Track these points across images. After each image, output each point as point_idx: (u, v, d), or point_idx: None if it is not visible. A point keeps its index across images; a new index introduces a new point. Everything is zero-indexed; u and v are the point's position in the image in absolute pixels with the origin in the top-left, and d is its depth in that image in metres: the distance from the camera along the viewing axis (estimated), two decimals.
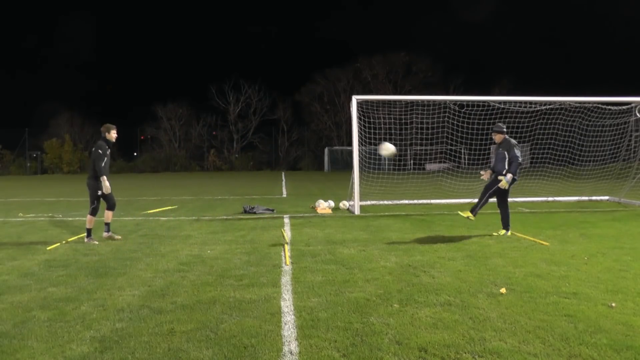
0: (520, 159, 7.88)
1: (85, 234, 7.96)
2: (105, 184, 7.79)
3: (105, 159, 7.90)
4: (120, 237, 8.15)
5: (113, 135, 8.14)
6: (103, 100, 70.34)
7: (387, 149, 9.72)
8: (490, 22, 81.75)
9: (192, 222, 10.12)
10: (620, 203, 13.05)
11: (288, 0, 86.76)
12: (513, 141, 8.08)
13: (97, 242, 7.76)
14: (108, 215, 8.16)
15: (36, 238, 8.32)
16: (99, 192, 7.85)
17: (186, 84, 76.95)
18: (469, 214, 8.22)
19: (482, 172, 8.56)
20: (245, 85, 51.96)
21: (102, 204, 8.04)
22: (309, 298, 4.65)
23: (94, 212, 7.90)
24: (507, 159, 7.95)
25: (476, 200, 8.41)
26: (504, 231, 8.19)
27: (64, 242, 7.87)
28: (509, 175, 7.81)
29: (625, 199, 13.23)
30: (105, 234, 8.11)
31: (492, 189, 8.07)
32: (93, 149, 8.04)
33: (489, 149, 16.22)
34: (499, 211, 8.34)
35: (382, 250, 6.97)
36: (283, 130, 52.66)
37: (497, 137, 8.26)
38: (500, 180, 7.90)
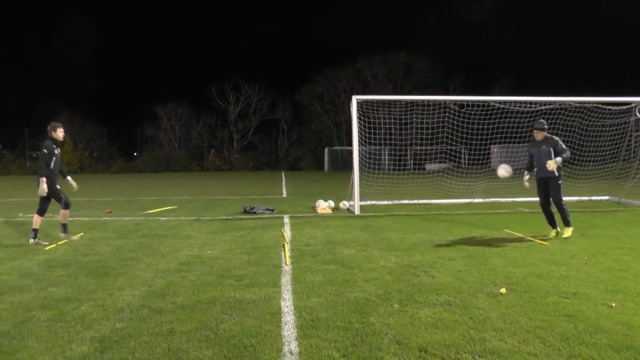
0: (569, 152, 7.70)
1: (32, 234, 7.76)
2: (42, 185, 7.55)
3: (54, 158, 7.73)
4: (77, 237, 7.99)
5: (60, 134, 7.92)
6: (103, 100, 70.38)
7: (505, 170, 8.49)
8: (490, 22, 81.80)
9: (192, 222, 10.12)
10: (620, 203, 13.05)
11: (288, 0, 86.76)
12: (557, 137, 7.86)
13: (46, 243, 7.60)
14: (63, 215, 7.96)
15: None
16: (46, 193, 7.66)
17: (186, 84, 77.06)
18: (567, 230, 7.80)
19: (525, 182, 8.29)
20: (245, 85, 52.03)
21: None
22: (309, 298, 4.65)
23: (40, 212, 7.77)
24: (552, 154, 7.69)
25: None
26: (570, 229, 7.86)
27: (63, 242, 7.87)
28: (559, 158, 7.58)
29: (625, 199, 13.23)
30: (62, 235, 7.98)
31: (559, 194, 7.76)
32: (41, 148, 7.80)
33: (489, 148, 16.24)
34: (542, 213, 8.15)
35: (382, 250, 6.97)
36: (283, 130, 52.68)
37: (539, 135, 7.94)
38: (559, 184, 7.70)
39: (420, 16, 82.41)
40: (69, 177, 8.22)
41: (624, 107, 13.33)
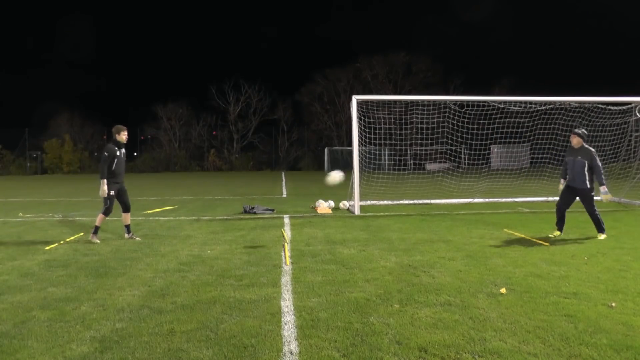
0: (602, 169, 7.76)
1: (92, 229, 8.06)
2: (103, 187, 7.73)
3: (116, 160, 7.85)
4: (139, 238, 8.13)
5: (123, 136, 8.05)
6: (103, 100, 70.37)
7: (333, 177, 8.49)
8: (490, 22, 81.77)
9: (192, 222, 10.12)
10: (620, 203, 13.05)
11: (288, 1, 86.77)
12: (593, 150, 7.89)
13: (98, 241, 7.78)
14: (124, 218, 8.19)
15: (36, 238, 8.32)
16: (111, 193, 7.81)
17: (186, 84, 76.96)
18: (601, 235, 7.79)
19: (560, 186, 8.28)
20: (245, 85, 51.94)
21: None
22: (309, 298, 4.65)
23: (106, 212, 7.91)
24: (586, 168, 7.72)
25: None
26: (558, 233, 8.02)
27: (62, 242, 7.87)
28: (604, 188, 7.73)
29: (625, 199, 13.23)
30: (126, 236, 8.17)
31: (593, 205, 7.80)
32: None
33: (489, 148, 16.24)
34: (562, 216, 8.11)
35: (382, 250, 6.97)
36: (283, 130, 52.62)
37: (576, 141, 7.94)
38: (597, 195, 7.79)
39: (420, 16, 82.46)
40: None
41: (624, 107, 13.33)
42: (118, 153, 7.93)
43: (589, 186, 7.73)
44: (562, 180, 8.26)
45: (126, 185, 8.22)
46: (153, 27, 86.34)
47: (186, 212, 11.95)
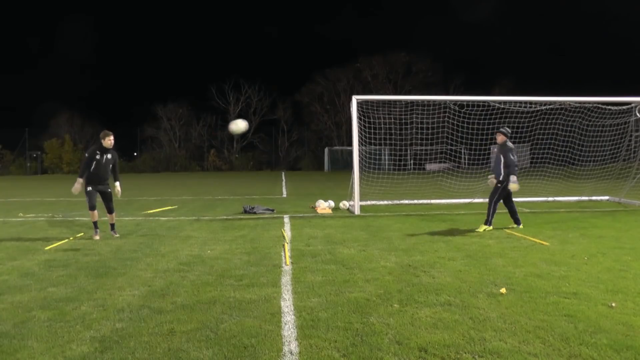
0: (516, 162, 8.51)
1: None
2: (75, 184, 8.05)
3: (95, 163, 8.09)
4: (118, 235, 8.42)
5: (107, 141, 8.25)
6: (103, 100, 70.31)
7: (237, 126, 8.79)
8: (490, 23, 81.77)
9: (192, 222, 10.12)
10: (620, 203, 13.05)
11: (288, 1, 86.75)
12: (510, 144, 8.71)
13: (97, 238, 8.06)
14: (109, 218, 8.51)
15: (36, 238, 8.32)
16: (88, 189, 8.12)
17: (186, 84, 76.83)
18: (485, 227, 8.64)
19: (489, 179, 9.13)
20: (245, 85, 51.94)
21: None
22: (309, 298, 4.65)
23: (90, 208, 8.18)
24: (502, 162, 8.57)
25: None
26: (516, 225, 8.86)
27: (62, 242, 7.87)
28: (513, 177, 8.38)
29: (625, 199, 13.23)
30: (111, 232, 8.48)
31: (495, 195, 8.66)
32: None
33: (489, 148, 16.23)
34: (506, 210, 9.04)
35: (382, 250, 6.97)
36: (283, 130, 52.63)
37: (500, 139, 8.82)
38: (500, 185, 8.62)
39: (420, 16, 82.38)
40: (117, 183, 8.50)
41: (624, 107, 13.32)
42: (98, 157, 8.15)
43: (501, 178, 8.60)
44: (491, 176, 9.09)
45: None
46: (153, 27, 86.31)
47: (186, 212, 11.95)
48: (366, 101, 13.14)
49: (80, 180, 8.07)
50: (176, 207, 13.29)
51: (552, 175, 15.25)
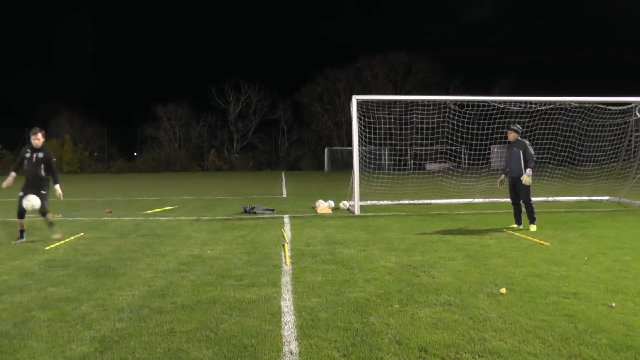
0: (534, 156, 8.56)
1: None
2: (8, 179, 8.07)
3: (25, 161, 7.91)
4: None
5: (33, 140, 7.98)
6: (103, 100, 70.27)
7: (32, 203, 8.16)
8: (491, 22, 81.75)
9: (192, 222, 10.12)
10: (620, 203, 13.05)
11: (288, 0, 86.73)
12: (524, 140, 8.73)
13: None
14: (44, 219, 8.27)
15: (36, 238, 8.32)
16: (19, 194, 8.06)
17: (186, 84, 76.71)
18: (534, 226, 8.57)
19: (499, 183, 9.17)
20: (245, 85, 51.95)
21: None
22: (309, 298, 4.65)
23: (17, 214, 8.06)
24: (522, 157, 8.55)
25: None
26: (516, 225, 8.82)
27: (62, 241, 7.87)
28: (529, 170, 8.41)
29: (625, 199, 13.23)
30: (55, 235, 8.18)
31: (529, 193, 8.59)
32: None
33: (489, 149, 16.23)
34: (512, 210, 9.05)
35: (382, 250, 6.97)
36: (283, 130, 52.64)
37: (512, 136, 8.82)
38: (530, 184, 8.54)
39: (420, 16, 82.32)
40: (57, 186, 8.17)
41: (624, 107, 13.33)
42: (27, 155, 7.86)
43: (528, 173, 8.52)
44: (501, 176, 9.15)
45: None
46: (153, 27, 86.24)
47: (186, 212, 11.95)
48: (366, 101, 13.14)
49: (13, 174, 8.08)
50: (176, 207, 13.29)
51: (552, 175, 15.24)
